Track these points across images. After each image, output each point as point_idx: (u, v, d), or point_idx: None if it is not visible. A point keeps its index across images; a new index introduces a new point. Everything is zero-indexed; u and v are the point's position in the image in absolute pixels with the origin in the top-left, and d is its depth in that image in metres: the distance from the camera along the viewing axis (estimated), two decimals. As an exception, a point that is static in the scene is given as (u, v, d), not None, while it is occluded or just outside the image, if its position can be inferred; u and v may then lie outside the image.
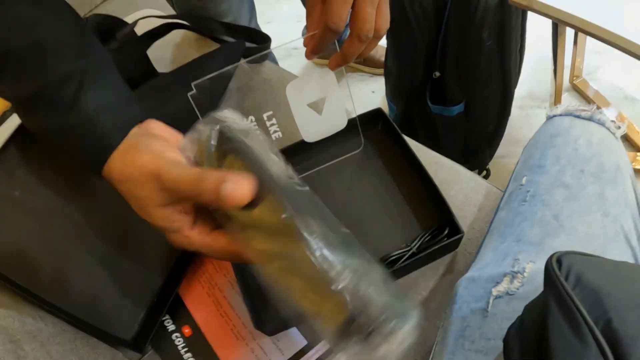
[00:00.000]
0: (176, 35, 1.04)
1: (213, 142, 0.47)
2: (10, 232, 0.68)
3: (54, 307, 0.67)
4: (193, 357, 0.74)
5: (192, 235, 0.51)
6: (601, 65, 1.96)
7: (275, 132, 0.74)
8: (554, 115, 0.77)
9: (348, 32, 0.61)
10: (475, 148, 1.47)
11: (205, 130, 0.48)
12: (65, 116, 0.52)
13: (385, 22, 0.60)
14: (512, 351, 0.46)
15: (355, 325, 0.37)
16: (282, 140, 0.75)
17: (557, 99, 1.70)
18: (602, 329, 0.37)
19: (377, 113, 0.85)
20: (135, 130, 0.52)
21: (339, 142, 0.81)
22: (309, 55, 0.65)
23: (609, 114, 1.73)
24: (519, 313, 0.48)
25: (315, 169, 0.82)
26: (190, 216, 0.51)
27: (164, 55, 1.03)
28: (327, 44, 0.62)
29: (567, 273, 0.41)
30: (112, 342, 0.73)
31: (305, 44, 0.66)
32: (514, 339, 0.46)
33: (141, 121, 0.54)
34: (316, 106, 0.73)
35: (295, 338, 0.72)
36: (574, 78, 1.87)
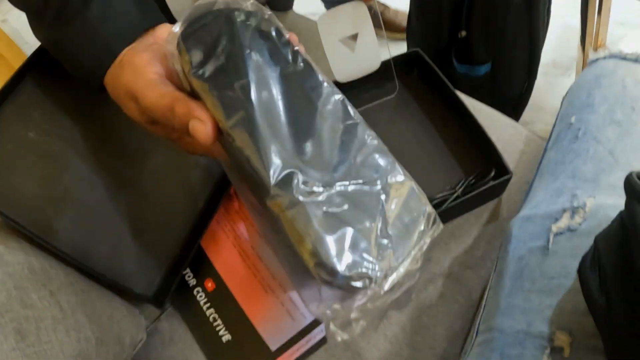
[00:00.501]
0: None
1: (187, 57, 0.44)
2: (24, 176, 0.64)
3: (69, 257, 0.63)
4: (216, 312, 0.70)
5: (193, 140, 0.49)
6: (624, 36, 1.94)
7: None
8: (598, 59, 0.75)
9: None
10: (501, 111, 1.44)
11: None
12: (71, 25, 0.51)
13: None
14: (589, 280, 0.42)
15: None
16: None
17: (583, 66, 1.68)
18: None
19: (414, 55, 0.82)
20: (142, 39, 0.52)
21: (372, 87, 0.79)
22: None
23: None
24: (583, 249, 0.45)
25: None
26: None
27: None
28: None
29: None
30: (130, 298, 0.70)
31: None
32: (589, 268, 0.43)
33: (149, 28, 0.53)
34: (348, 43, 0.71)
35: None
36: (598, 47, 1.84)
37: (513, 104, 1.44)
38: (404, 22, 1.48)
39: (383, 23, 1.98)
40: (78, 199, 0.66)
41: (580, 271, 0.44)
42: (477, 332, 0.55)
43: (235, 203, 0.76)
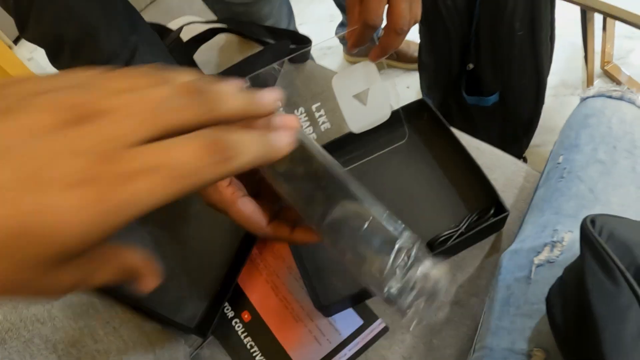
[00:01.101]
0: (220, 39, 1.11)
1: None
2: None
3: (125, 297, 0.73)
4: (252, 340, 0.80)
5: (225, 192, 0.47)
6: (633, 49, 1.97)
7: (323, 123, 0.79)
8: (587, 97, 0.82)
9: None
10: (512, 137, 1.51)
11: None
12: None
13: (416, 16, 0.66)
14: (554, 306, 0.52)
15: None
16: (330, 131, 0.81)
17: (589, 85, 1.73)
18: (633, 273, 0.44)
19: (420, 104, 0.91)
20: None
21: (384, 134, 0.86)
22: (351, 48, 0.72)
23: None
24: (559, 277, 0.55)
25: (363, 160, 0.88)
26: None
27: (209, 59, 1.10)
28: (368, 37, 0.69)
29: (600, 230, 0.48)
30: (177, 329, 0.80)
31: (347, 38, 0.72)
32: (555, 296, 0.53)
33: None
34: (361, 97, 0.78)
35: (351, 318, 0.78)
36: (605, 64, 1.89)
37: (523, 128, 1.51)
38: (416, 52, 1.56)
39: (396, 54, 2.07)
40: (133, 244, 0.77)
41: (548, 298, 0.53)
42: (474, 350, 0.65)
43: (267, 243, 0.87)
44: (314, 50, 1.37)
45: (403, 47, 2.00)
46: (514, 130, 1.50)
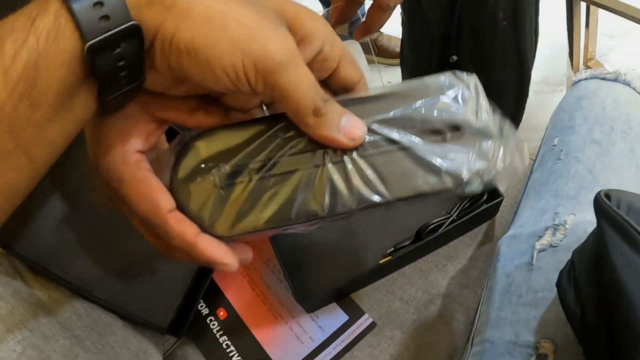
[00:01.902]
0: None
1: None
2: (42, 221, 0.68)
3: (92, 296, 0.68)
4: (229, 339, 0.74)
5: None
6: (613, 48, 1.97)
7: None
8: (580, 80, 0.78)
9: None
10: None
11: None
12: None
13: None
14: (567, 292, 0.46)
15: None
16: None
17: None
18: None
19: None
20: None
21: None
22: (334, 25, 0.66)
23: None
24: (564, 263, 0.49)
25: None
26: None
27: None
28: (352, 14, 0.64)
29: (617, 203, 0.42)
30: (152, 329, 0.74)
31: (330, 15, 0.67)
32: (567, 280, 0.47)
33: None
34: None
35: (335, 314, 0.72)
36: (588, 60, 1.87)
37: (506, 123, 1.47)
38: (397, 47, 1.52)
39: (377, 49, 2.02)
40: (98, 242, 0.70)
41: (559, 284, 0.47)
42: (471, 344, 0.59)
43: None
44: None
45: (384, 42, 1.97)
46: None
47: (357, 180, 0.36)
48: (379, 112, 0.38)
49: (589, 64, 1.87)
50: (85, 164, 0.65)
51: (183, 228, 0.34)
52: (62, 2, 0.30)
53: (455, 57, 1.29)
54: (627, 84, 0.75)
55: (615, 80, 0.75)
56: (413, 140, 0.37)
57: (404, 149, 0.37)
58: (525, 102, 1.45)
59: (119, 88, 0.31)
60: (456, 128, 0.38)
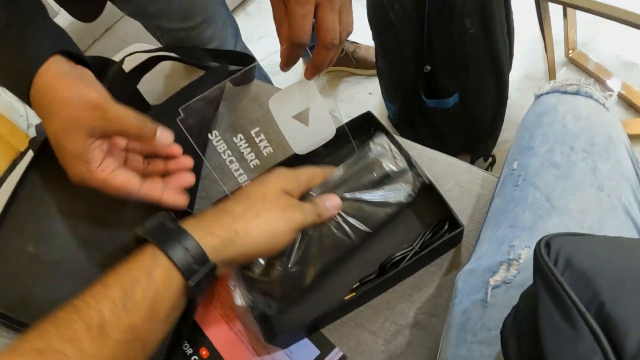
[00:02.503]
0: (165, 66, 1.05)
1: None
2: (31, 287, 0.70)
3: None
4: (212, 377, 0.74)
5: (97, 172, 0.61)
6: (595, 35, 1.93)
7: (265, 147, 0.73)
8: (541, 94, 0.75)
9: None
10: (477, 137, 1.45)
11: None
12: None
13: (347, 27, 0.62)
14: (508, 342, 0.45)
15: None
16: (273, 156, 0.75)
17: (551, 76, 1.67)
18: (595, 313, 0.36)
19: (366, 117, 0.84)
20: (67, 63, 0.63)
21: (332, 152, 0.81)
22: (283, 67, 0.66)
23: (612, 84, 1.70)
24: (516, 301, 0.47)
25: None
26: (101, 155, 0.62)
27: (155, 87, 1.04)
28: (298, 56, 0.64)
29: (556, 257, 0.40)
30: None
31: (280, 57, 0.66)
32: (510, 329, 0.45)
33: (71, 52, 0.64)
34: (302, 118, 0.73)
35: (307, 348, 0.72)
36: (570, 51, 1.83)
37: (487, 128, 1.45)
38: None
39: (355, 61, 2.00)
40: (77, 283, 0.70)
41: (502, 334, 0.46)
42: (433, 382, 0.58)
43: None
44: (269, 66, 1.31)
45: (362, 54, 1.95)
46: (479, 130, 1.44)
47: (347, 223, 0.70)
48: (343, 185, 0.72)
49: (571, 55, 1.84)
50: (70, 230, 0.73)
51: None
52: (167, 258, 0.53)
53: (429, 67, 1.28)
54: (589, 96, 0.71)
55: (577, 93, 0.72)
56: (367, 194, 0.71)
57: (363, 200, 0.71)
58: (505, 103, 1.44)
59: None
60: (387, 175, 0.74)
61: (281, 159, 0.81)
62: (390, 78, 1.40)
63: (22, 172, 0.72)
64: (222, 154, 0.72)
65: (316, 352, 0.71)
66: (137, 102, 0.94)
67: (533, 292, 0.44)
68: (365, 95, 1.98)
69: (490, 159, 1.57)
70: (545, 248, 0.42)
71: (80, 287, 0.70)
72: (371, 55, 1.89)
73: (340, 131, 0.77)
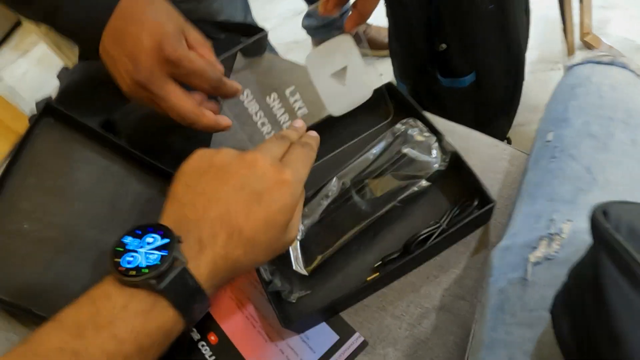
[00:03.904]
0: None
1: None
2: (26, 266, 0.67)
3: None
4: (221, 364, 0.69)
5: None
6: (609, 19, 1.90)
7: (300, 108, 0.69)
8: (573, 65, 0.71)
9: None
10: (489, 118, 1.40)
11: None
12: None
13: None
14: (561, 323, 0.40)
15: None
16: (308, 116, 0.71)
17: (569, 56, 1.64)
18: None
19: (388, 89, 0.80)
20: None
21: (368, 114, 0.78)
22: (334, 7, 0.64)
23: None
24: (561, 278, 0.42)
25: (346, 145, 0.80)
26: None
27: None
28: None
29: (616, 225, 0.35)
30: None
31: (322, 7, 0.65)
32: (561, 309, 0.40)
33: None
34: (339, 76, 0.70)
35: (326, 334, 0.67)
36: (584, 35, 1.80)
37: (503, 109, 1.40)
38: (387, 38, 1.47)
39: (367, 42, 1.95)
40: (76, 279, 0.68)
41: (553, 311, 0.41)
42: (466, 366, 0.53)
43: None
44: (279, 46, 1.26)
45: (373, 34, 1.91)
46: (492, 111, 1.38)
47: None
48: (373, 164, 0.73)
49: (585, 39, 1.80)
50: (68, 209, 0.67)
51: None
52: (169, 302, 0.45)
53: (444, 45, 1.22)
54: (624, 66, 0.68)
55: (612, 63, 0.68)
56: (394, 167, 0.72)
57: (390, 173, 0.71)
58: (521, 83, 1.39)
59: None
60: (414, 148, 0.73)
61: (315, 120, 0.77)
62: (402, 58, 1.35)
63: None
64: (254, 116, 0.69)
65: (335, 337, 0.66)
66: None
67: (586, 266, 0.39)
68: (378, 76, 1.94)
69: (505, 141, 1.52)
70: (603, 215, 0.37)
71: (75, 265, 0.68)
72: (382, 36, 1.85)
73: (377, 92, 0.74)
